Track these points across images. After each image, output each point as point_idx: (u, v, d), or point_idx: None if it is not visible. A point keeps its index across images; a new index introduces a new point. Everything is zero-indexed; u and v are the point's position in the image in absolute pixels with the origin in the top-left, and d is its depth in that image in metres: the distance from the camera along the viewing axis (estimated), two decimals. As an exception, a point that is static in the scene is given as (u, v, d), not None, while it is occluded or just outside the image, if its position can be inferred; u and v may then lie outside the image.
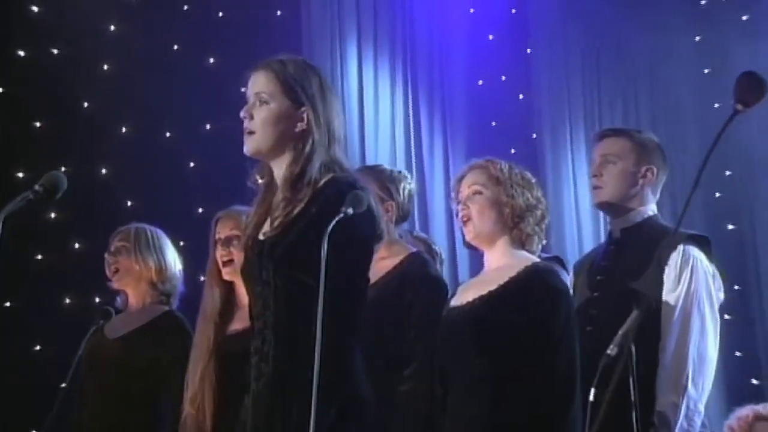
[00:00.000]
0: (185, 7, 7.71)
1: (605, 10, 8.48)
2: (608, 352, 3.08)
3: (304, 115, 3.04)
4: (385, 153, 7.55)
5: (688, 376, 3.50)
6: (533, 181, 3.55)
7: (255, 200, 3.18)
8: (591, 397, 3.02)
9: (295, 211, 2.96)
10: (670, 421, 3.47)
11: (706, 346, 3.56)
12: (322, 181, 2.98)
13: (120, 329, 4.38)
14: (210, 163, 7.41)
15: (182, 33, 7.61)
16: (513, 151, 7.45)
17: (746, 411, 4.96)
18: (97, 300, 6.79)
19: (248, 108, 3.09)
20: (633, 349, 3.06)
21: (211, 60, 7.71)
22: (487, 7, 8.14)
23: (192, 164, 7.54)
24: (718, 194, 8.16)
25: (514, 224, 3.45)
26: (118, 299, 4.50)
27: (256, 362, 3.01)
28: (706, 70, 8.91)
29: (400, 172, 4.13)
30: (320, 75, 3.14)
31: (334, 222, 2.75)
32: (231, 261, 4.05)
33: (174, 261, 4.48)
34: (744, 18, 8.96)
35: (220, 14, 7.74)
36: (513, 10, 8.32)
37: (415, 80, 7.98)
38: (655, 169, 3.83)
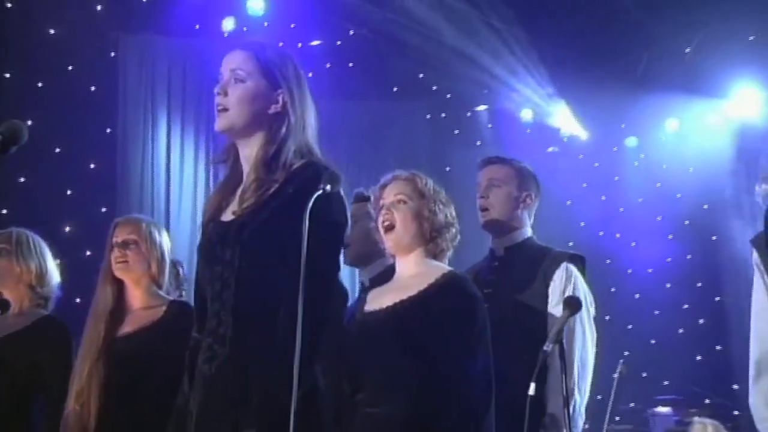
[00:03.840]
0: (7, 75, 6.92)
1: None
2: (545, 348, 2.54)
3: (280, 98, 2.32)
4: (187, 206, 7.21)
5: (574, 382, 3.00)
6: (450, 200, 2.94)
7: (219, 182, 2.43)
8: (531, 391, 2.45)
9: (270, 191, 2.24)
10: (560, 422, 2.93)
11: (587, 354, 3.08)
12: (297, 165, 2.27)
13: None
14: (22, 212, 6.53)
15: (2, 97, 6.77)
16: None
17: None
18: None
19: (223, 85, 2.31)
20: (566, 346, 2.55)
21: (30, 122, 6.72)
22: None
23: (5, 211, 6.73)
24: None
25: (431, 238, 2.79)
26: (-8, 301, 3.40)
27: (209, 344, 2.21)
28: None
29: None
30: (295, 63, 2.40)
31: (314, 198, 2.07)
32: (125, 262, 3.23)
33: (53, 267, 3.49)
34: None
35: (40, 84, 6.96)
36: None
37: (217, 148, 7.34)
38: (532, 195, 3.34)
